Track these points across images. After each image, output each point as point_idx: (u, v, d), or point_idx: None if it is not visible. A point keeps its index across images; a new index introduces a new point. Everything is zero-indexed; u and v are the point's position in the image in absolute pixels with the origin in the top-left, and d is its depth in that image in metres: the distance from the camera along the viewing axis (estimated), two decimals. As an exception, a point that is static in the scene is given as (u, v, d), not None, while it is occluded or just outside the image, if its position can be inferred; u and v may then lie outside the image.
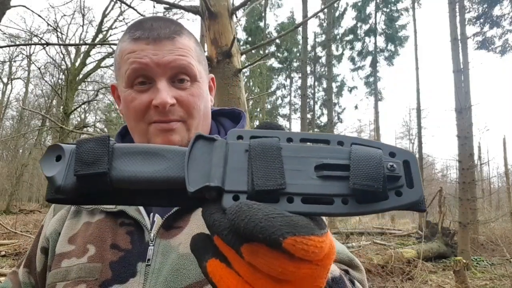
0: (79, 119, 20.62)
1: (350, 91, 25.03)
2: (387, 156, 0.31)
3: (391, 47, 22.82)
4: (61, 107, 15.95)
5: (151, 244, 0.60)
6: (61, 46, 14.72)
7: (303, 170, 0.30)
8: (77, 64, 15.65)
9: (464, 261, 5.35)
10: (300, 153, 0.31)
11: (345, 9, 22.60)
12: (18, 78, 21.39)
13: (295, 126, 27.02)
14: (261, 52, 16.00)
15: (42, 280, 0.68)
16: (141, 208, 0.63)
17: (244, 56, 3.32)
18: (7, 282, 0.73)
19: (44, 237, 0.70)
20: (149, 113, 0.64)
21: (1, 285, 0.74)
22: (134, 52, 0.63)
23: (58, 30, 13.83)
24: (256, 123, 17.33)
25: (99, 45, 16.20)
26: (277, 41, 23.73)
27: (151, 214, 0.64)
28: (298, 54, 24.50)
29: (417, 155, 19.37)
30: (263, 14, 22.73)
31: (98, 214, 0.66)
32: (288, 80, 27.17)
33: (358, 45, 23.82)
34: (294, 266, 0.27)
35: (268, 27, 24.08)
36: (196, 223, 0.62)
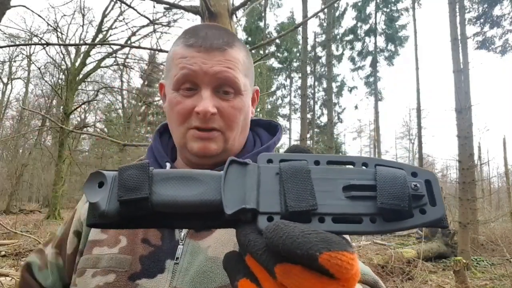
0: (79, 119, 20.63)
1: (350, 91, 25.04)
2: (409, 176, 0.33)
3: (391, 47, 22.83)
4: (61, 107, 15.95)
5: (181, 243, 0.62)
6: (61, 46, 14.72)
7: (332, 191, 0.32)
8: (77, 64, 15.64)
9: (464, 261, 5.35)
10: (328, 175, 0.33)
11: (345, 9, 22.61)
12: (18, 78, 21.39)
13: (295, 126, 27.03)
14: (261, 52, 16.00)
15: (71, 263, 0.70)
16: None
17: (244, 56, 3.32)
18: (34, 258, 0.75)
19: (78, 220, 0.73)
20: (191, 118, 0.66)
21: (28, 259, 0.76)
22: (185, 58, 0.66)
23: (58, 30, 13.83)
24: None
25: (99, 45, 16.19)
26: (277, 41, 23.74)
27: None
28: (298, 54, 24.50)
29: (417, 155, 19.40)
30: (263, 14, 22.74)
31: None
32: (288, 80, 27.20)
33: (358, 45, 23.85)
34: (323, 286, 0.28)
35: (268, 27, 24.11)
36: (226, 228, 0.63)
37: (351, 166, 0.35)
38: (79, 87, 16.24)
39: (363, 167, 0.34)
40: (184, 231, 0.64)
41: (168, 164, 0.72)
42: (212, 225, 0.36)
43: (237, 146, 0.72)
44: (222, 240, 0.62)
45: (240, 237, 0.32)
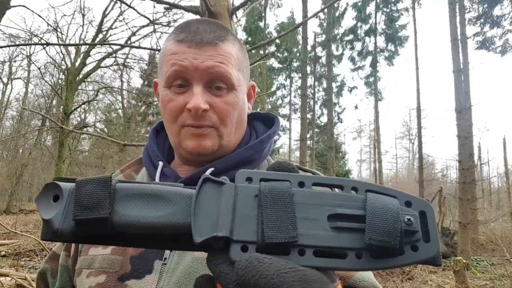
0: (79, 119, 20.63)
1: (350, 91, 25.03)
2: (403, 206, 0.30)
3: (391, 47, 22.82)
4: (61, 107, 15.95)
5: None
6: (61, 46, 14.71)
7: (315, 219, 0.29)
8: (77, 64, 15.64)
9: (464, 261, 5.34)
10: (313, 200, 0.30)
11: (345, 9, 22.59)
12: (18, 78, 21.38)
13: (295, 126, 27.04)
14: (261, 52, 16.00)
15: (74, 264, 0.72)
16: None
17: (244, 56, 3.32)
18: (46, 266, 0.77)
19: None
20: (183, 115, 0.65)
21: (42, 268, 0.77)
22: (176, 54, 0.64)
23: (58, 30, 13.82)
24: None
25: (99, 45, 16.19)
26: (277, 41, 23.73)
27: None
28: (298, 54, 24.50)
29: (417, 155, 19.41)
30: (263, 14, 22.73)
31: None
32: (288, 80, 27.19)
33: (358, 45, 23.83)
34: None
35: (268, 27, 24.10)
36: None
37: (339, 190, 0.31)
38: (79, 87, 16.23)
39: (353, 192, 0.31)
40: None
41: (160, 163, 0.71)
42: (182, 249, 0.33)
43: (233, 143, 0.71)
44: None
45: (211, 266, 0.29)
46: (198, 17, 2.53)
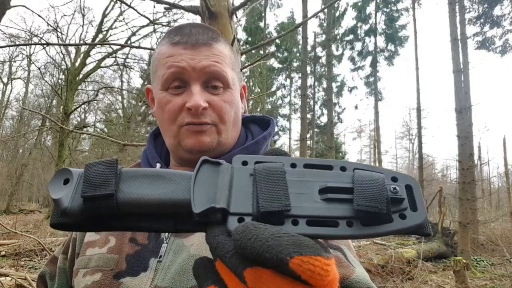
0: (79, 119, 20.63)
1: (350, 91, 25.03)
2: (389, 181, 0.32)
3: (391, 47, 22.82)
4: (61, 107, 15.94)
5: (165, 242, 0.63)
6: (61, 46, 14.72)
7: (307, 193, 0.31)
8: (77, 64, 15.64)
9: (464, 261, 5.35)
10: (304, 177, 0.32)
11: (345, 9, 22.59)
12: (18, 78, 21.38)
13: (295, 126, 27.04)
14: (261, 52, 16.00)
15: (72, 267, 0.73)
16: None
17: (244, 56, 3.32)
18: (46, 268, 0.79)
19: None
20: (182, 115, 0.66)
21: (41, 270, 0.79)
22: (172, 56, 0.66)
23: (58, 30, 13.82)
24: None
25: (99, 45, 16.19)
26: (277, 41, 23.73)
27: None
28: (298, 54, 24.49)
29: (417, 155, 19.40)
30: (263, 14, 22.73)
31: None
32: (288, 80, 27.18)
33: (358, 45, 23.83)
34: None
35: (268, 27, 24.09)
36: None
37: (329, 170, 0.33)
38: (79, 87, 16.23)
39: (341, 171, 0.33)
40: None
41: (158, 165, 0.72)
42: (182, 228, 0.34)
43: (231, 140, 0.72)
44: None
45: (209, 239, 0.30)
46: (198, 17, 2.53)
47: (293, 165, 0.33)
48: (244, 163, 0.33)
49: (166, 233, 0.63)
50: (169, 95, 0.67)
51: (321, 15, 21.30)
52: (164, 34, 0.72)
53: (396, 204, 0.30)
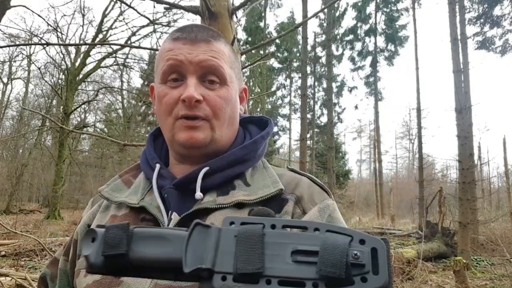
0: (79, 119, 20.61)
1: (350, 91, 25.05)
2: (356, 243, 0.35)
3: (391, 47, 22.84)
4: (61, 107, 15.95)
5: None
6: (61, 46, 14.73)
7: (281, 254, 0.35)
8: (77, 64, 15.64)
9: (464, 261, 5.35)
10: (281, 239, 0.36)
11: (345, 9, 22.61)
12: (18, 78, 21.40)
13: (295, 126, 27.04)
14: (261, 52, 16.01)
15: (73, 269, 0.74)
16: (161, 206, 0.68)
17: (244, 56, 3.32)
18: (47, 270, 0.80)
19: (77, 230, 0.78)
20: (177, 107, 0.68)
21: (42, 271, 0.81)
22: (171, 50, 0.69)
23: (58, 30, 13.82)
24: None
25: (99, 45, 16.19)
26: (277, 41, 23.74)
27: (169, 212, 0.68)
28: (298, 54, 24.50)
29: (417, 155, 19.38)
30: (263, 14, 22.75)
31: (124, 209, 0.72)
32: (288, 80, 27.19)
33: (358, 45, 23.86)
34: None
35: (268, 27, 24.11)
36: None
37: (304, 231, 0.37)
38: (79, 87, 16.24)
39: (316, 232, 0.36)
40: None
41: (157, 165, 0.73)
42: (181, 279, 0.40)
43: (225, 139, 0.73)
44: None
45: None
46: (198, 17, 2.53)
47: (273, 226, 0.37)
48: (231, 223, 0.38)
49: None
50: (167, 88, 0.69)
51: (321, 15, 21.31)
52: (172, 29, 0.77)
53: (358, 268, 0.33)
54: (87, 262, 0.39)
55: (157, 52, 0.81)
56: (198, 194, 0.67)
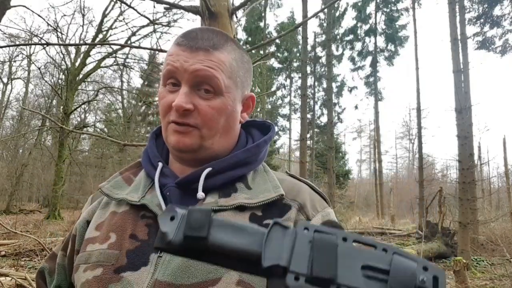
0: (79, 119, 20.60)
1: (350, 91, 25.04)
2: (420, 269, 0.39)
3: (391, 47, 22.84)
4: (61, 107, 15.95)
5: None
6: (61, 46, 14.73)
7: (352, 266, 0.38)
8: (77, 64, 15.64)
9: (464, 261, 5.35)
10: (352, 252, 0.39)
11: (345, 9, 22.61)
12: (18, 78, 21.39)
13: (295, 126, 27.03)
14: (261, 52, 16.00)
15: (71, 264, 0.75)
16: (162, 204, 0.68)
17: (244, 56, 3.30)
18: (45, 264, 0.82)
19: (76, 225, 0.77)
20: (170, 112, 0.69)
21: (41, 266, 0.82)
22: (172, 55, 0.70)
23: (58, 30, 13.82)
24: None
25: (99, 45, 16.20)
26: (277, 41, 23.74)
27: None
28: (298, 54, 24.49)
29: (417, 155, 19.38)
30: (263, 14, 22.74)
31: (124, 206, 0.72)
32: (288, 80, 27.19)
33: (358, 45, 23.86)
34: None
35: (268, 27, 24.10)
36: None
37: (373, 248, 0.41)
38: (79, 87, 16.24)
39: (383, 252, 0.40)
40: None
41: (160, 164, 0.74)
42: (253, 272, 0.42)
43: (217, 147, 0.73)
44: None
45: (271, 287, 0.38)
46: (198, 17, 2.53)
47: (344, 239, 0.40)
48: (306, 228, 0.41)
49: None
50: (165, 91, 0.71)
51: (321, 15, 21.31)
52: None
53: None
54: (165, 239, 0.40)
55: (157, 52, 0.82)
56: (200, 194, 0.68)
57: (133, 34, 15.53)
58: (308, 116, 18.93)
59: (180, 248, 0.40)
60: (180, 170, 0.74)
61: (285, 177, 0.77)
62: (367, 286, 0.37)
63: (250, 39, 22.66)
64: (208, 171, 0.69)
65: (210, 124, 0.69)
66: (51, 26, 12.08)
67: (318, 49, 24.23)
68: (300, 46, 22.05)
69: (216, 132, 0.71)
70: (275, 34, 24.08)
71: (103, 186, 0.76)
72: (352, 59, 24.03)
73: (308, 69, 21.22)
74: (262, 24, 23.05)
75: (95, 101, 18.13)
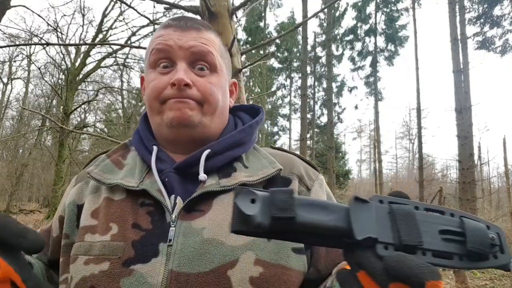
0: (79, 119, 20.60)
1: (350, 91, 25.02)
2: (486, 228, 0.43)
3: (391, 47, 22.81)
4: (61, 107, 15.94)
5: (173, 225, 0.62)
6: (61, 46, 14.72)
7: (431, 232, 0.41)
8: (77, 64, 15.63)
9: (464, 261, 5.33)
10: (427, 219, 0.42)
11: (345, 9, 22.59)
12: (18, 78, 21.37)
13: (295, 126, 27.02)
14: (261, 52, 15.99)
15: (56, 245, 0.72)
16: (163, 190, 0.66)
17: (244, 56, 3.32)
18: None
19: (62, 206, 0.74)
20: (166, 91, 0.67)
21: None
22: (162, 36, 0.69)
23: (58, 30, 13.81)
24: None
25: (99, 45, 16.18)
26: (277, 41, 23.72)
27: (172, 196, 0.66)
28: (298, 54, 24.48)
29: (417, 155, 19.37)
30: (263, 14, 22.72)
31: (120, 193, 0.68)
32: (288, 80, 27.16)
33: (358, 45, 23.82)
34: None
35: (268, 27, 24.07)
36: (218, 209, 0.64)
37: (441, 214, 0.44)
38: (79, 87, 16.22)
39: (450, 217, 0.43)
40: (175, 213, 0.63)
41: (155, 147, 0.71)
42: (337, 246, 0.44)
43: (214, 127, 0.72)
44: (217, 221, 0.62)
45: (362, 259, 0.40)
46: (198, 17, 2.53)
47: (416, 208, 0.43)
48: (381, 201, 0.43)
49: (173, 216, 0.62)
50: (156, 74, 0.69)
51: (321, 15, 21.30)
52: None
53: (492, 247, 0.42)
54: (251, 222, 0.40)
55: None
56: (202, 176, 0.65)
57: (133, 34, 15.50)
58: (308, 116, 18.92)
59: (268, 229, 0.41)
60: (174, 155, 0.73)
61: (274, 152, 0.77)
62: (448, 248, 0.41)
63: (250, 39, 22.64)
64: (208, 153, 0.68)
65: (211, 99, 0.69)
66: (51, 26, 12.08)
67: (318, 49, 24.22)
68: (300, 46, 22.04)
69: (215, 109, 0.70)
70: (275, 34, 24.06)
71: (92, 171, 0.71)
72: (352, 59, 24.01)
73: (308, 69, 21.21)
74: (262, 24, 23.03)
75: (95, 101, 18.11)
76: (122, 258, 0.60)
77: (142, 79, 0.78)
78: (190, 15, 2.60)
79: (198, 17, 2.53)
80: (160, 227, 0.62)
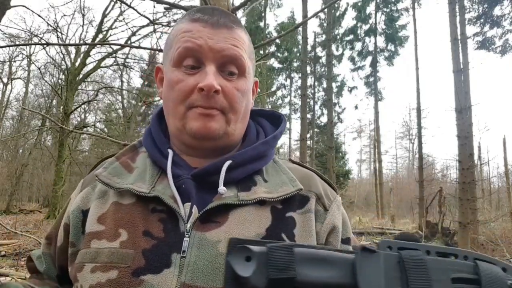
0: (79, 119, 20.60)
1: (350, 91, 25.03)
2: (503, 272, 0.41)
3: (391, 47, 22.81)
4: (61, 107, 15.94)
5: (187, 235, 0.58)
6: (61, 46, 14.71)
7: (443, 281, 0.38)
8: (77, 64, 15.62)
9: (464, 261, 5.33)
10: (439, 265, 0.39)
11: (345, 9, 22.59)
12: (18, 78, 21.36)
13: (295, 126, 27.03)
14: (261, 52, 15.98)
15: (62, 254, 0.69)
16: (177, 197, 0.61)
17: (244, 56, 3.31)
18: (35, 250, 0.79)
19: (67, 213, 0.70)
20: (192, 96, 0.62)
21: (33, 252, 0.79)
22: (190, 32, 0.63)
23: (58, 30, 13.81)
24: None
25: (99, 45, 16.18)
26: (277, 41, 23.73)
27: (186, 204, 0.62)
28: (298, 54, 24.49)
29: (417, 155, 19.38)
30: (263, 14, 22.73)
31: (129, 197, 0.64)
32: (288, 80, 27.20)
33: (358, 45, 23.84)
34: None
35: (268, 27, 24.09)
36: (234, 222, 0.60)
37: (454, 258, 0.42)
38: (79, 87, 16.22)
39: (464, 260, 0.41)
40: (190, 222, 0.59)
41: (170, 152, 0.67)
42: None
43: (238, 132, 0.69)
44: (233, 236, 0.59)
45: None
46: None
47: (428, 252, 0.41)
48: (389, 247, 0.41)
49: (188, 226, 0.59)
50: (181, 73, 0.63)
51: (321, 15, 21.30)
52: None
53: None
54: (246, 283, 0.37)
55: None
56: (222, 189, 0.61)
57: (133, 34, 15.49)
58: (308, 116, 18.93)
59: None
60: (189, 161, 0.68)
61: (293, 167, 0.74)
62: None
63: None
64: (229, 164, 0.64)
65: (236, 106, 0.64)
66: (51, 26, 12.07)
67: (318, 49, 24.23)
68: (300, 46, 22.05)
69: (238, 116, 0.66)
70: (275, 34, 24.07)
71: (100, 174, 0.66)
72: (352, 59, 24.02)
73: (308, 69, 21.21)
74: (262, 24, 23.04)
75: (95, 101, 18.10)
76: (132, 267, 0.56)
77: (157, 69, 0.73)
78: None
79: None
80: (173, 237, 0.58)
